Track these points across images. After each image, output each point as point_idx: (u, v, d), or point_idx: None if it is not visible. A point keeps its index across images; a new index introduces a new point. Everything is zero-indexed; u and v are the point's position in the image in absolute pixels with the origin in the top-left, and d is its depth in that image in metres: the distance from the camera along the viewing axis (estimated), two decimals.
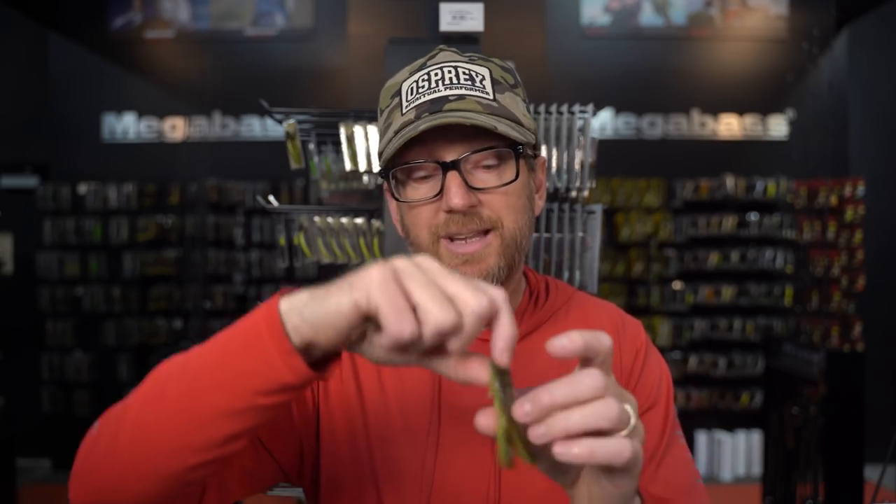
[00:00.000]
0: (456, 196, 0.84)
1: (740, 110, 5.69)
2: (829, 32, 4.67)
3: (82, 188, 5.50)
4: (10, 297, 5.46)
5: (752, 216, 5.50)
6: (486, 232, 0.86)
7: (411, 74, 0.90)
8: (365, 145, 1.84)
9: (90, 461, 0.70)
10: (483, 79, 0.88)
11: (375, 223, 1.85)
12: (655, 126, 5.70)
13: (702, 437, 5.31)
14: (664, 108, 5.68)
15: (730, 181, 5.47)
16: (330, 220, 1.85)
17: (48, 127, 5.64)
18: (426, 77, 0.88)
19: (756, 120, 5.70)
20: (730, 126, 5.70)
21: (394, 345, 0.56)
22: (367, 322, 0.59)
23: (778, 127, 5.71)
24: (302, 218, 1.86)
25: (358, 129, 1.83)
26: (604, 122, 5.64)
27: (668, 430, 0.93)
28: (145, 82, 5.72)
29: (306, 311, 0.60)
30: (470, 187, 0.85)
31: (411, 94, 0.88)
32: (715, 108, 5.68)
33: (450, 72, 0.88)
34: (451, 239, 0.87)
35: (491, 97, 0.87)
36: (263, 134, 5.62)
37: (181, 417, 0.64)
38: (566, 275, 1.68)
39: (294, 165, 1.93)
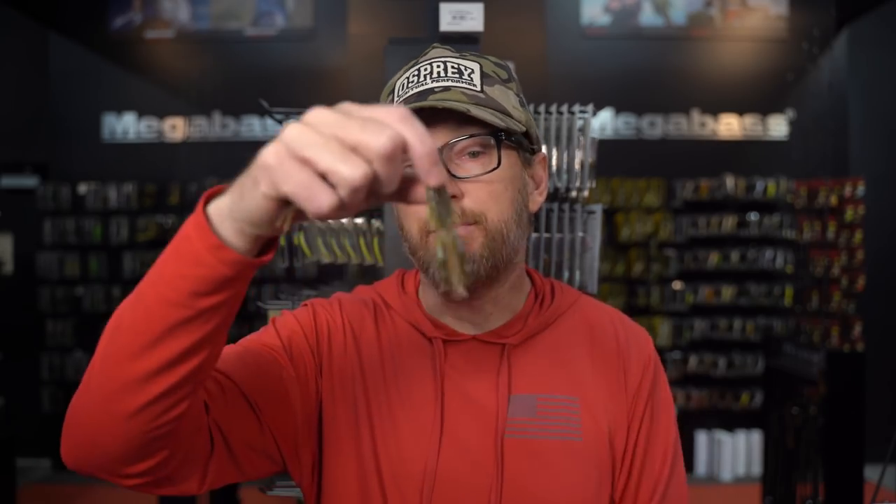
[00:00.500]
0: None
1: (740, 110, 5.69)
2: (829, 32, 4.67)
3: (82, 188, 5.50)
4: (10, 297, 5.46)
5: (752, 216, 5.50)
6: (468, 224, 0.85)
7: (403, 72, 0.90)
8: None
9: (71, 414, 0.70)
10: (472, 72, 0.87)
11: (375, 223, 1.85)
12: (655, 126, 5.69)
13: (702, 437, 5.31)
14: (664, 108, 5.67)
15: (730, 181, 5.47)
16: (330, 220, 1.85)
17: (48, 127, 5.64)
18: (416, 72, 0.88)
19: (756, 120, 5.70)
20: (730, 126, 5.70)
21: (320, 218, 0.55)
22: (290, 203, 0.57)
23: (778, 127, 5.71)
24: None
25: None
26: (604, 122, 5.64)
27: (672, 461, 0.94)
28: (145, 82, 5.72)
29: (236, 214, 0.60)
30: (453, 177, 0.84)
31: (401, 89, 0.88)
32: (715, 108, 5.68)
33: (438, 66, 0.87)
34: None
35: (478, 88, 0.86)
36: (263, 134, 5.62)
37: (137, 342, 0.64)
38: (566, 275, 1.68)
39: None
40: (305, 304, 0.97)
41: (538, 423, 0.89)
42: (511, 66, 0.94)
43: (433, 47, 0.93)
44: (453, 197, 0.83)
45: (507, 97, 0.89)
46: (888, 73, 5.64)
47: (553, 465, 0.88)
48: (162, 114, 5.69)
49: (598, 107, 5.77)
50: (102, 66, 5.67)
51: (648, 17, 5.74)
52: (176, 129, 5.71)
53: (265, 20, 5.73)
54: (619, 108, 5.68)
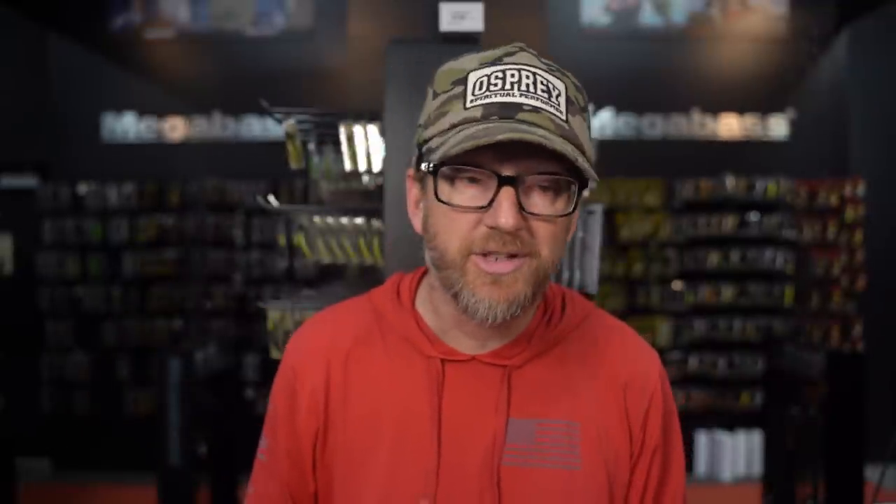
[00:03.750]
0: (506, 215, 0.77)
1: (741, 110, 5.68)
2: (830, 32, 4.68)
3: (82, 188, 5.49)
4: (10, 298, 5.46)
5: (753, 216, 5.50)
6: (521, 256, 0.80)
7: (482, 66, 0.82)
8: (365, 145, 1.84)
9: None
10: (559, 94, 0.82)
11: (375, 223, 1.85)
12: (655, 126, 5.69)
13: (702, 437, 5.31)
14: (664, 107, 5.67)
15: (730, 181, 5.47)
16: (330, 220, 1.85)
17: (48, 127, 5.63)
18: (500, 75, 0.81)
19: (756, 120, 5.70)
20: (730, 126, 5.70)
21: None
22: None
23: (778, 127, 5.71)
24: (302, 218, 1.86)
25: (358, 129, 1.83)
26: (604, 122, 5.64)
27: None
28: (145, 82, 5.72)
29: None
30: (522, 209, 0.78)
31: (479, 88, 0.80)
32: (715, 108, 5.68)
33: (528, 77, 0.81)
34: (484, 255, 0.80)
35: (563, 117, 0.80)
36: (263, 134, 5.61)
37: None
38: (566, 275, 1.68)
39: (294, 165, 1.93)
40: (284, 380, 0.93)
41: (537, 450, 0.85)
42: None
43: (520, 48, 0.85)
44: (518, 230, 0.79)
45: (584, 130, 0.84)
46: (889, 73, 5.63)
47: (551, 495, 0.85)
48: (162, 113, 5.69)
49: (598, 107, 5.77)
50: (102, 65, 5.66)
51: (648, 17, 5.74)
52: (176, 129, 5.71)
53: (265, 20, 5.73)
54: (619, 108, 5.68)
